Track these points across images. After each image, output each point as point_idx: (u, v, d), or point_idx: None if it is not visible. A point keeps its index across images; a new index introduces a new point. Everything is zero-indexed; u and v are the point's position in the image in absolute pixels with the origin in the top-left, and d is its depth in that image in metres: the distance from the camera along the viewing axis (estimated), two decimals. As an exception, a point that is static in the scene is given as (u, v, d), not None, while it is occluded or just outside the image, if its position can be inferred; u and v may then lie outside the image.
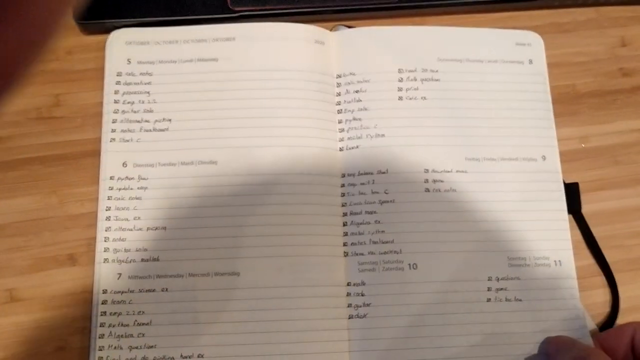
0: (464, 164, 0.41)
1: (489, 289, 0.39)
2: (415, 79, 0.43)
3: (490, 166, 0.42)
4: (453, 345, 0.38)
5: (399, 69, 0.43)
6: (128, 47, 0.43)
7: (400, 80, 0.43)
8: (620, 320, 0.41)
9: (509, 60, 0.44)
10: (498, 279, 0.40)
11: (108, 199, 0.40)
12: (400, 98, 0.42)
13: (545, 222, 0.41)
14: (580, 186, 0.43)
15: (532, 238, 0.41)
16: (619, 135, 0.45)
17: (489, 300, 0.39)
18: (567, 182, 0.43)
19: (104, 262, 0.39)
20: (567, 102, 0.45)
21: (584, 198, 0.43)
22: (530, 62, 0.44)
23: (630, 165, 0.44)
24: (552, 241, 0.41)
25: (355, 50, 0.44)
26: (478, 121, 0.42)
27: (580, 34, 0.47)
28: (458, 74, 0.43)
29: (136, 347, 0.37)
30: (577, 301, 0.40)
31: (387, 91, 0.42)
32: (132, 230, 0.39)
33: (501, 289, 0.39)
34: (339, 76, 0.43)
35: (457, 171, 0.41)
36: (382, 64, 0.43)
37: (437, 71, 0.43)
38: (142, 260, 0.39)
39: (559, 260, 0.40)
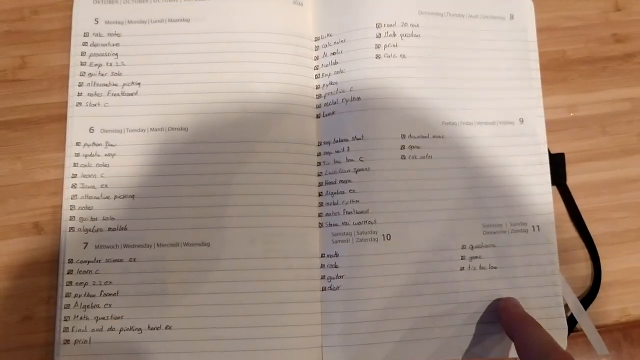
0: (441, 128, 0.40)
1: (462, 258, 0.38)
2: (394, 34, 0.41)
3: (468, 131, 0.40)
4: (427, 315, 0.37)
5: (377, 24, 0.40)
6: (96, 6, 0.41)
7: (379, 36, 0.40)
8: (602, 294, 0.40)
9: (489, 16, 0.42)
10: (472, 247, 0.38)
11: (74, 166, 0.38)
12: (377, 56, 0.40)
13: (523, 187, 0.40)
14: (567, 157, 0.41)
15: (509, 204, 0.39)
16: (609, 104, 0.43)
17: (462, 269, 0.38)
18: (553, 152, 0.41)
19: (69, 230, 0.38)
20: (556, 69, 0.43)
21: (570, 169, 0.41)
22: (512, 17, 0.42)
23: (619, 135, 0.43)
24: (530, 206, 0.39)
25: (333, 9, 0.41)
26: (457, 82, 0.40)
27: (572, -3, 0.45)
28: (439, 30, 0.41)
29: (103, 318, 0.37)
30: (556, 267, 0.39)
31: (364, 49, 0.40)
32: (99, 198, 0.38)
33: (475, 257, 0.38)
34: (317, 39, 0.41)
35: (433, 136, 0.40)
36: (360, 19, 0.41)
37: (417, 26, 0.41)
38: (109, 229, 0.38)
39: (537, 226, 0.39)
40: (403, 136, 0.39)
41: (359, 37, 0.41)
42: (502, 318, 0.37)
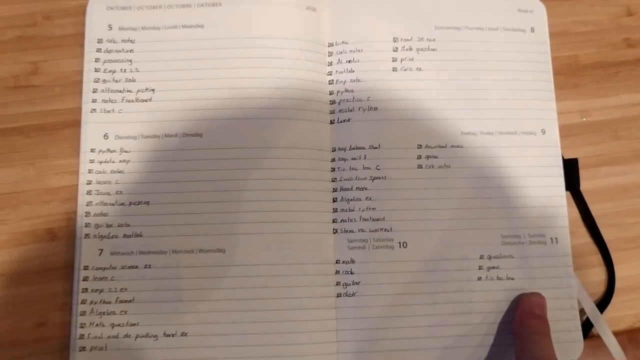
0: (459, 138, 0.40)
1: (480, 268, 0.38)
2: (411, 49, 0.41)
3: (487, 141, 0.40)
4: (442, 324, 0.37)
5: (393, 38, 0.41)
6: (109, 12, 0.41)
7: (395, 50, 0.41)
8: (616, 300, 0.40)
9: (510, 28, 0.42)
10: (490, 257, 0.38)
11: (89, 172, 0.38)
12: (394, 69, 0.41)
13: (542, 199, 0.40)
14: (580, 162, 0.41)
15: (527, 215, 0.39)
16: (621, 109, 0.43)
17: (479, 279, 0.38)
18: (566, 157, 0.41)
19: (84, 237, 0.37)
20: (568, 74, 0.43)
21: (583, 174, 0.41)
22: (532, 30, 0.42)
23: (631, 140, 0.43)
24: (548, 218, 0.39)
25: (349, 17, 0.41)
26: (476, 93, 0.41)
27: (584, 2, 0.45)
28: (456, 43, 0.41)
29: (118, 325, 0.36)
30: (573, 279, 0.39)
31: (381, 61, 0.41)
32: (114, 205, 0.38)
33: (493, 267, 0.38)
34: (330, 45, 0.41)
35: (451, 146, 0.40)
36: (377, 32, 0.41)
37: (434, 40, 0.41)
38: (125, 236, 0.38)
39: (555, 238, 0.39)
40: (420, 146, 0.39)
41: (375, 49, 0.41)
42: (515, 318, 0.37)
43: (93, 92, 0.39)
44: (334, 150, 0.40)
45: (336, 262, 0.38)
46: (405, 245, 0.38)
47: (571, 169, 0.41)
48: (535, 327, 0.36)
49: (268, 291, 0.37)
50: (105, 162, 0.38)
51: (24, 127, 0.40)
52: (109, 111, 0.39)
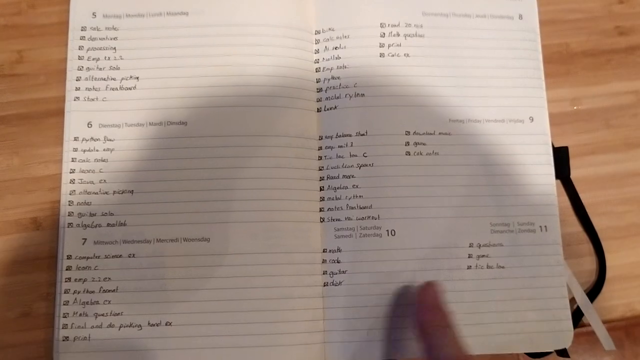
0: (447, 125, 0.39)
1: (469, 256, 0.38)
2: (398, 35, 0.40)
3: (475, 128, 0.40)
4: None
5: (381, 24, 0.41)
6: (93, -1, 0.40)
7: (382, 35, 0.40)
8: (607, 289, 0.39)
9: (497, 15, 0.42)
10: (480, 245, 0.38)
11: (72, 161, 0.38)
12: (381, 55, 0.40)
13: (532, 187, 0.39)
14: (570, 150, 0.41)
15: (517, 203, 0.39)
16: (613, 97, 0.43)
17: (469, 267, 0.38)
18: (556, 145, 0.41)
19: (68, 226, 0.37)
20: (559, 62, 0.43)
21: (573, 162, 0.41)
22: (521, 17, 0.42)
23: (623, 128, 0.42)
24: (538, 206, 0.39)
25: (335, 4, 0.41)
26: (464, 80, 0.40)
27: (575, -11, 0.44)
28: (444, 30, 0.41)
29: (102, 315, 0.36)
30: (563, 268, 0.38)
31: (368, 47, 0.40)
32: (97, 193, 0.38)
33: (483, 255, 0.38)
34: (317, 32, 0.41)
35: (439, 133, 0.39)
36: (364, 17, 0.41)
37: (421, 26, 0.41)
38: (108, 225, 0.37)
39: (545, 226, 0.39)
40: (407, 132, 0.39)
41: (363, 35, 0.40)
42: (417, 315, 0.34)
43: (77, 80, 0.39)
44: (321, 138, 0.39)
45: (323, 251, 0.38)
46: (393, 234, 0.38)
47: (561, 157, 0.40)
48: (434, 322, 0.33)
49: (254, 280, 0.37)
50: (88, 150, 0.38)
51: (8, 116, 0.39)
52: (92, 99, 0.39)
